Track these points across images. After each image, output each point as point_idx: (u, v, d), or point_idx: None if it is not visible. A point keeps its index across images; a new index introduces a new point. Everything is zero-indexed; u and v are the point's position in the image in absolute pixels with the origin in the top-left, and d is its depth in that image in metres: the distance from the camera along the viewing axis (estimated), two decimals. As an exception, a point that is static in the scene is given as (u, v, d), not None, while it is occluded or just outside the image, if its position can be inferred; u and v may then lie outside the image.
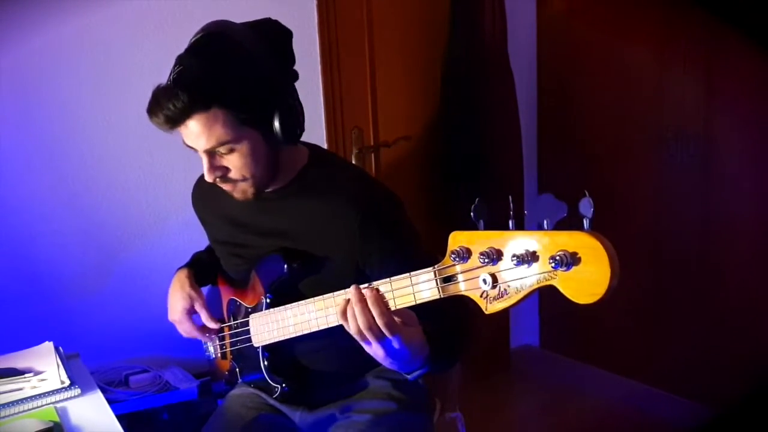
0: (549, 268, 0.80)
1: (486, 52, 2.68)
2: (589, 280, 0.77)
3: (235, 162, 1.26)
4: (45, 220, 2.03)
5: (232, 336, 1.48)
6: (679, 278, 2.55)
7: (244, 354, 1.45)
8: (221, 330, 1.51)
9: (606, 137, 2.71)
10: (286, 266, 1.32)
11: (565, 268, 0.79)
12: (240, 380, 1.51)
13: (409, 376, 1.17)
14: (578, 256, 0.78)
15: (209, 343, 1.58)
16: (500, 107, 2.75)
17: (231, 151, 1.24)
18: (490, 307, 0.89)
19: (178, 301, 1.49)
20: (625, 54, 2.59)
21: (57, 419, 1.28)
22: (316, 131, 2.38)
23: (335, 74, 2.44)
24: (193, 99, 1.18)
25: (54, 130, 2.01)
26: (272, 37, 1.26)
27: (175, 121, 1.20)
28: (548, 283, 0.81)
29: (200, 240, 1.64)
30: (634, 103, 2.61)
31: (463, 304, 0.97)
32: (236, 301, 1.47)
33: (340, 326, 1.17)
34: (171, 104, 1.18)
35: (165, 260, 1.65)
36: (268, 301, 1.36)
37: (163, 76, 1.23)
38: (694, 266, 2.51)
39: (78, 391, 1.40)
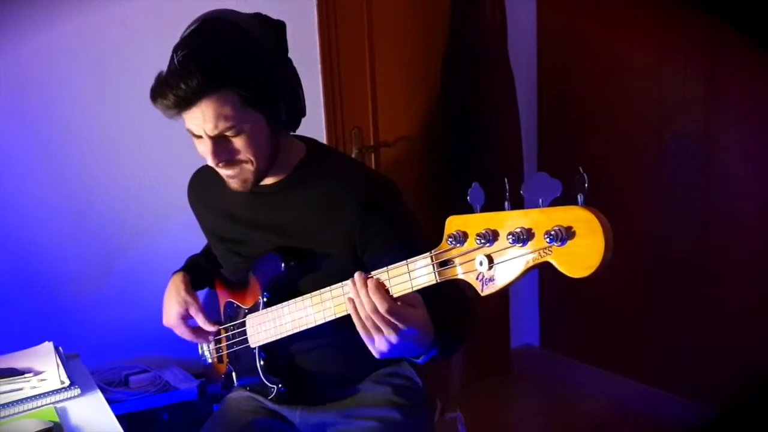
0: (545, 243, 0.80)
1: (486, 52, 2.68)
2: (583, 254, 0.77)
3: (240, 144, 1.24)
4: (45, 220, 2.03)
5: (228, 339, 1.46)
6: (679, 278, 2.55)
7: (241, 356, 1.44)
8: (218, 333, 1.49)
9: (606, 137, 2.71)
10: (283, 265, 1.31)
11: (560, 243, 0.78)
12: (236, 384, 1.50)
13: (417, 360, 1.14)
14: (573, 230, 0.78)
15: (205, 348, 1.56)
16: (500, 107, 2.75)
17: (237, 133, 1.22)
18: (486, 289, 0.88)
19: (173, 306, 1.48)
20: (625, 54, 2.59)
21: (57, 419, 1.28)
22: (316, 131, 2.38)
23: (335, 74, 2.44)
24: (207, 79, 1.15)
25: (54, 130, 2.01)
26: (269, 24, 1.26)
27: (186, 102, 1.16)
28: (544, 259, 0.81)
29: (201, 240, 1.63)
30: (633, 102, 2.60)
31: (461, 290, 0.94)
32: (233, 303, 1.45)
33: (336, 325, 1.17)
34: (183, 84, 1.14)
35: (165, 260, 1.65)
36: (264, 300, 1.35)
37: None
38: (694, 266, 2.50)
39: (78, 391, 1.40)
